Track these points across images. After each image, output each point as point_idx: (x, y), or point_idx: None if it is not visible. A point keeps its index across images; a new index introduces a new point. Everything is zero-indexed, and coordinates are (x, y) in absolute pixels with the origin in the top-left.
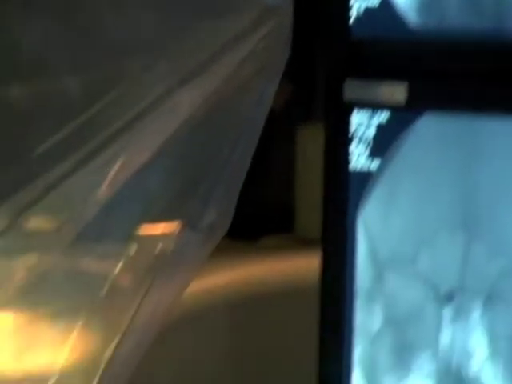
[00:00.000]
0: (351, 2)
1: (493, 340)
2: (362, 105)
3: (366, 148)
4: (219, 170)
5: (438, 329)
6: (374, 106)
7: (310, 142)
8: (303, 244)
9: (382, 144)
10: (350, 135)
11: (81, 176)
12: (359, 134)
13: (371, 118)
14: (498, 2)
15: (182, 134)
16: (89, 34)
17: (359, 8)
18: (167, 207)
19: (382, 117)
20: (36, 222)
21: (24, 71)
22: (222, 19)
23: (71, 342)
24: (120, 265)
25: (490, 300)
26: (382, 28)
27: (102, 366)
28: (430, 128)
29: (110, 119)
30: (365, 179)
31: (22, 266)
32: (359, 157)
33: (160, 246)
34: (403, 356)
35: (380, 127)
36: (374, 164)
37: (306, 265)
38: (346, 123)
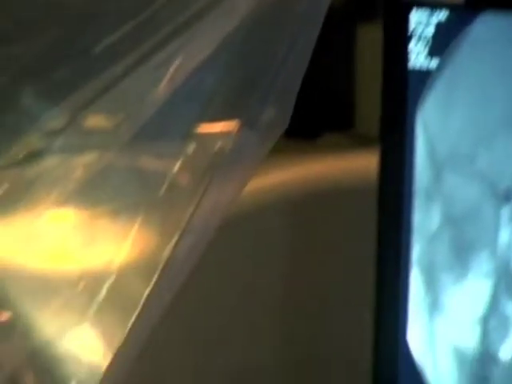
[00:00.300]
0: None
1: None
2: (421, 3)
3: (425, 47)
4: (278, 68)
5: (496, 228)
6: (433, 5)
7: (370, 39)
8: (363, 142)
9: (440, 43)
10: (408, 34)
11: (139, 74)
12: (418, 32)
13: (430, 16)
14: None
15: (241, 32)
16: None
17: None
18: (226, 106)
19: (441, 16)
20: (94, 121)
21: None
22: None
23: (130, 240)
24: (178, 163)
25: None
26: None
27: (161, 265)
28: (488, 27)
29: (168, 18)
30: (424, 78)
31: (81, 164)
32: (418, 55)
33: (218, 144)
34: (461, 255)
35: (439, 26)
36: (433, 63)
37: (365, 163)
38: (405, 21)
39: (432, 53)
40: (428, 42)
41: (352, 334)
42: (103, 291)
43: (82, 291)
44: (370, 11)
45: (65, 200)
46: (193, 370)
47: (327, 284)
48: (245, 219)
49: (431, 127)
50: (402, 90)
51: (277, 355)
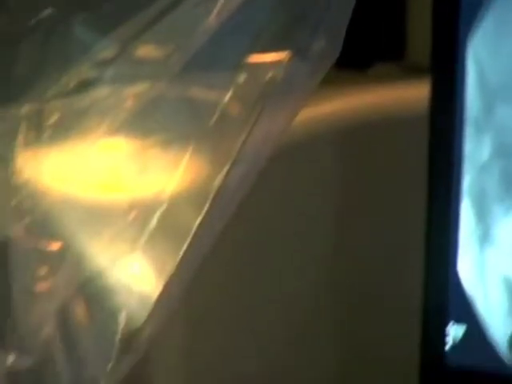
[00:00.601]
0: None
1: None
2: None
3: None
4: None
5: None
6: None
7: None
8: (414, 72)
9: None
10: None
11: (190, 5)
12: None
13: None
14: None
15: None
16: None
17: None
18: (276, 37)
19: None
20: (145, 51)
21: None
22: None
23: (181, 170)
24: (229, 93)
25: None
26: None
27: (212, 194)
28: None
29: None
30: (475, 7)
31: (132, 94)
32: None
33: (269, 74)
34: None
35: None
36: None
37: (416, 93)
38: None
39: None
40: None
41: (403, 265)
42: (154, 220)
43: (133, 220)
44: None
45: (116, 130)
46: (246, 301)
47: (379, 214)
48: (296, 149)
49: (482, 57)
50: (454, 19)
51: (327, 290)
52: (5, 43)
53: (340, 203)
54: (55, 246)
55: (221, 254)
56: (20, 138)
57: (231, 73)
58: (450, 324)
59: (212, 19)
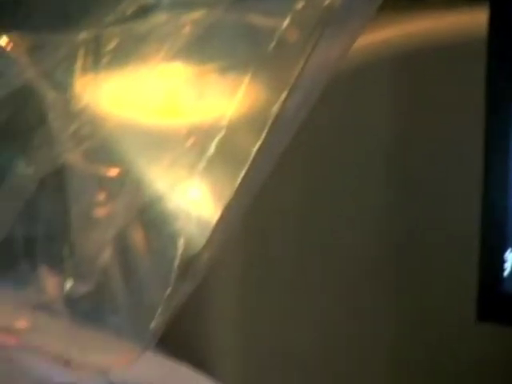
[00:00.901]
0: None
1: None
2: None
3: None
4: None
5: None
6: None
7: None
8: None
9: None
10: None
11: None
12: None
13: None
14: None
15: None
16: None
17: None
18: None
19: None
20: None
21: None
22: None
23: (239, 96)
24: (287, 19)
25: None
26: None
27: (270, 120)
28: None
29: None
30: None
31: (190, 20)
32: None
33: (328, 0)
34: None
35: None
36: None
37: (474, 20)
38: None
39: None
40: None
41: (461, 193)
42: (213, 146)
43: (192, 146)
44: None
45: (174, 55)
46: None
47: (434, 141)
48: (353, 76)
49: None
50: None
51: (385, 216)
52: None
53: (396, 129)
54: (114, 172)
55: (278, 181)
56: (78, 64)
57: None
58: (508, 251)
59: None
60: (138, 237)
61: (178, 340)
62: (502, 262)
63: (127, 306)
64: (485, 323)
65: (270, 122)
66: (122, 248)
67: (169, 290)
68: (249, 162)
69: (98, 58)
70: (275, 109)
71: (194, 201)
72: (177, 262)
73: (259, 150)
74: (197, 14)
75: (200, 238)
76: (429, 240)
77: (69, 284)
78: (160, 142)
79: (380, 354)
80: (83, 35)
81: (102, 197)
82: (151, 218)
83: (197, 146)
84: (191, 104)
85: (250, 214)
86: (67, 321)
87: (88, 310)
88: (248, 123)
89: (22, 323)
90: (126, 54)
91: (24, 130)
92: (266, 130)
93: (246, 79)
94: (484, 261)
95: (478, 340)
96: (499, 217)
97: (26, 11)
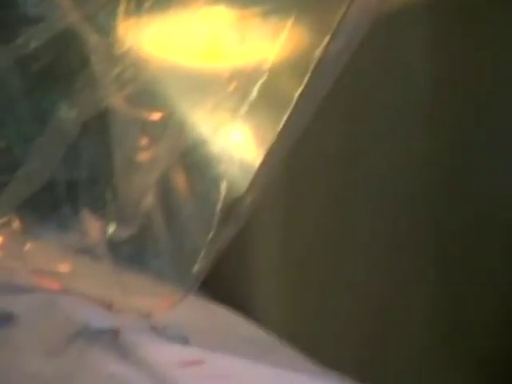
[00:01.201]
0: None
1: None
2: None
3: None
4: None
5: None
6: None
7: None
8: None
9: None
10: None
11: None
12: None
13: None
14: None
15: None
16: None
17: None
18: None
19: None
20: None
21: None
22: None
23: (282, 40)
24: None
25: None
26: None
27: (312, 65)
28: None
29: None
30: None
31: None
32: None
33: None
34: None
35: None
36: None
37: None
38: None
39: None
40: None
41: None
42: (255, 90)
43: (235, 90)
44: None
45: None
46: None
47: (481, 85)
48: (395, 18)
49: None
50: None
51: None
52: None
53: (437, 72)
54: (156, 116)
55: (321, 125)
56: (121, 8)
57: None
58: None
59: None
60: (180, 180)
61: (220, 284)
62: None
63: (170, 249)
64: None
65: (312, 66)
66: (165, 192)
67: (211, 234)
68: (291, 106)
69: (141, 1)
70: (318, 53)
71: (237, 144)
72: (219, 206)
73: (301, 93)
74: None
75: (243, 182)
76: (468, 182)
77: (111, 228)
78: (202, 85)
79: (422, 289)
80: None
81: (144, 141)
82: (194, 161)
83: (239, 89)
84: (234, 48)
85: (292, 157)
86: (110, 264)
87: (130, 254)
88: (290, 67)
89: (64, 267)
90: None
91: (67, 74)
92: (308, 74)
93: (289, 23)
94: None
95: None
96: None
97: None
